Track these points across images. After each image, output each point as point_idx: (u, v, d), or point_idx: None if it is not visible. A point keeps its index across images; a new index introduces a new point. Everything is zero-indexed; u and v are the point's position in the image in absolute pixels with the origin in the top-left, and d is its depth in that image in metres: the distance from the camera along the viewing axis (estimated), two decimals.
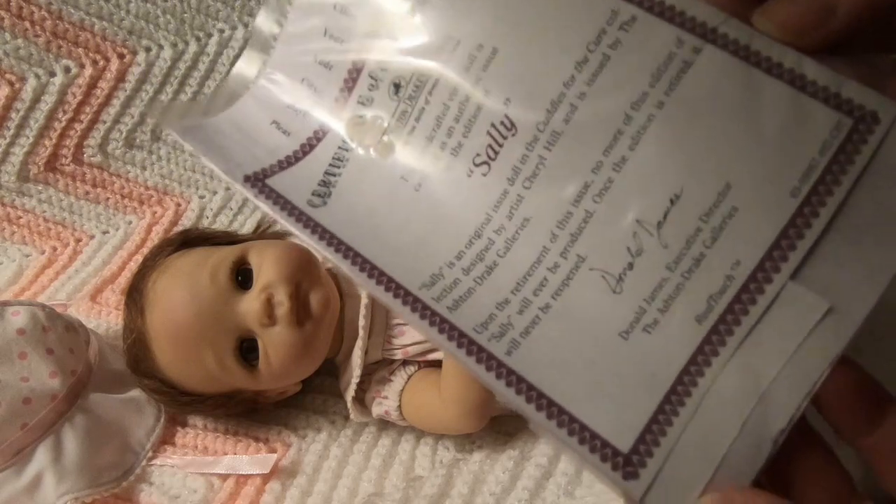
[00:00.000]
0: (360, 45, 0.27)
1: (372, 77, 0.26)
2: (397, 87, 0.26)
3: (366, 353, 0.60)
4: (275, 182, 0.26)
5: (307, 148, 0.27)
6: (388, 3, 0.26)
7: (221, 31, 0.84)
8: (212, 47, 0.83)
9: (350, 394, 0.61)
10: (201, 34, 0.83)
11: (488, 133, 0.24)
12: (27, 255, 0.83)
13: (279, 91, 0.28)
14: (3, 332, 0.60)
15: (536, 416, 0.21)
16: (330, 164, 0.27)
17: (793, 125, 0.21)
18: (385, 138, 0.26)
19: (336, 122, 0.27)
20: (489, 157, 0.24)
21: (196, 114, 0.28)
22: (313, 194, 0.26)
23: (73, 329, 0.66)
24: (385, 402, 0.60)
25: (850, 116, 0.20)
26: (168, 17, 0.81)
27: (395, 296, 0.23)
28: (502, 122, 0.24)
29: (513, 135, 0.24)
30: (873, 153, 0.20)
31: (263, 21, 0.29)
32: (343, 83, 0.27)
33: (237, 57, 0.83)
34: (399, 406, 0.60)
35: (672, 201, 0.22)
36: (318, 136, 0.27)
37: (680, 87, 0.22)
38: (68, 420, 0.61)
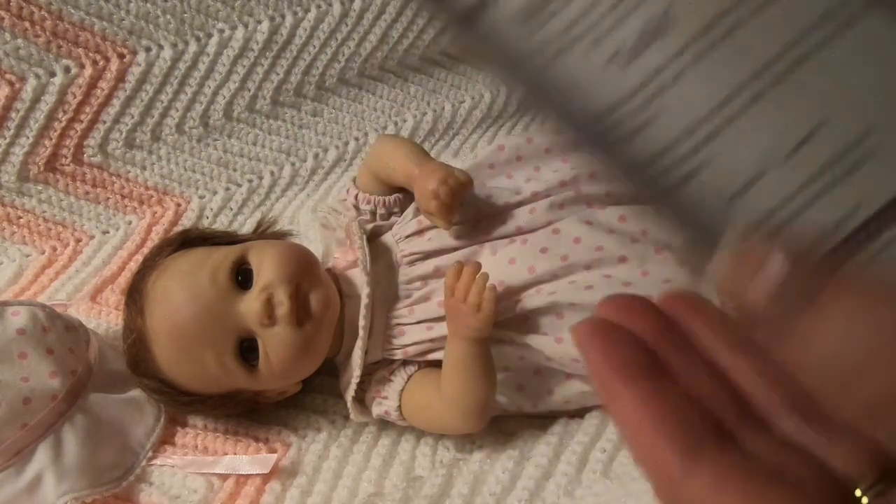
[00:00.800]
0: None
1: None
2: None
3: (366, 353, 0.60)
4: None
5: None
6: None
7: (221, 31, 0.84)
8: (212, 47, 0.83)
9: (350, 394, 0.61)
10: (201, 34, 0.83)
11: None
12: (27, 255, 0.83)
13: None
14: (3, 332, 0.60)
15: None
16: None
17: None
18: None
19: None
20: None
21: None
22: None
23: (73, 329, 0.66)
24: (385, 402, 0.60)
25: None
26: (168, 17, 0.81)
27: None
28: None
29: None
30: None
31: None
32: None
33: (237, 57, 0.84)
34: (399, 406, 0.60)
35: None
36: None
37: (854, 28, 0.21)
38: (68, 420, 0.61)
